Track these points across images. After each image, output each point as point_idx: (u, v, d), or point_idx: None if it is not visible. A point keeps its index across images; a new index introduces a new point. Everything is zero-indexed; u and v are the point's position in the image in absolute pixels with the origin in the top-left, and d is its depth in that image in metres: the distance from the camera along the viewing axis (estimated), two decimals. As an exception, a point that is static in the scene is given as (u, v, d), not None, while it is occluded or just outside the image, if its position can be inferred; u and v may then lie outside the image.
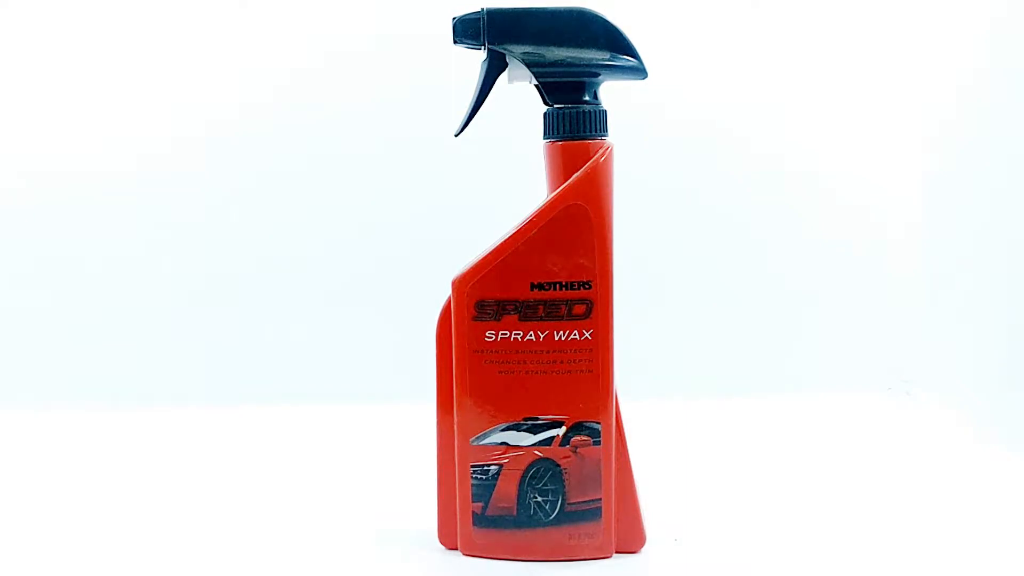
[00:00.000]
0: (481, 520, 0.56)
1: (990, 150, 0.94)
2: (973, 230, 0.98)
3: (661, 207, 1.02)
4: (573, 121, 0.54)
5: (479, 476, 0.56)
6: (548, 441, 0.55)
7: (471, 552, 0.57)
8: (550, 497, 0.56)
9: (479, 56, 0.56)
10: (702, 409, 0.95)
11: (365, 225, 1.03)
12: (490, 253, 0.55)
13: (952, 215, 1.01)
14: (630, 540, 0.58)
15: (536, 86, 0.56)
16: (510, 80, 0.56)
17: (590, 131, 0.55)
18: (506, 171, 0.90)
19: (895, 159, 1.05)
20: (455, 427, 0.56)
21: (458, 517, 0.57)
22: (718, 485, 0.73)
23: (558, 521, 0.56)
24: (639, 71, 0.55)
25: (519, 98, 0.59)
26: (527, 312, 0.54)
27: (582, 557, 0.56)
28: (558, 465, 0.55)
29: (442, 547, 0.59)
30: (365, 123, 1.02)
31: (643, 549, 0.58)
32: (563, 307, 0.54)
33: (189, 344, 1.02)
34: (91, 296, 1.03)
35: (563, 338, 0.54)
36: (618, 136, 0.56)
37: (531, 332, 0.54)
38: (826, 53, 1.03)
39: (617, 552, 0.57)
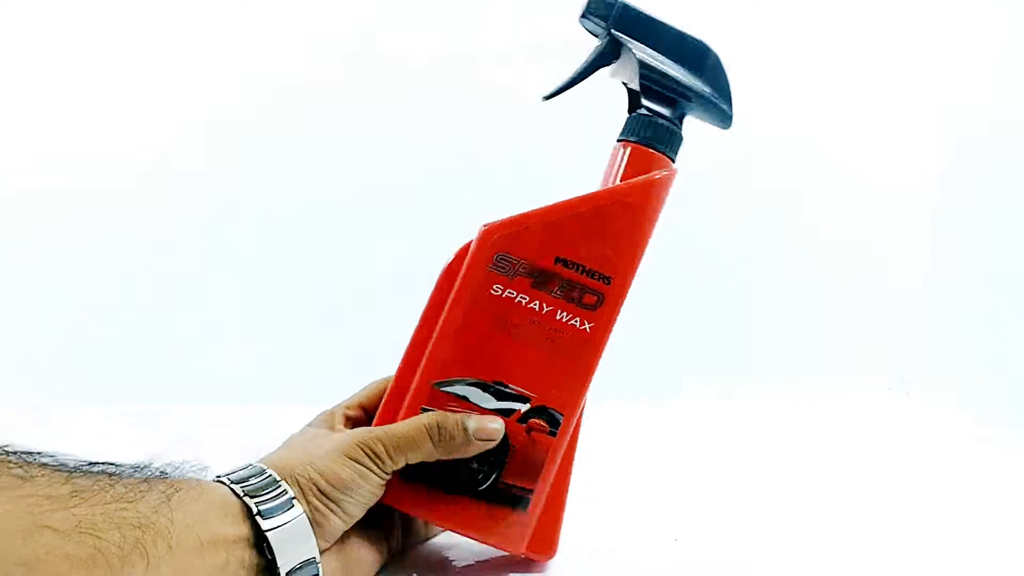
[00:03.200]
0: (410, 472, 0.54)
1: (991, 150, 0.95)
2: (972, 231, 0.98)
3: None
4: (656, 129, 0.56)
5: None
6: (508, 412, 0.54)
7: (391, 502, 0.55)
8: (487, 468, 0.55)
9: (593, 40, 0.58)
10: (700, 408, 0.95)
11: (377, 221, 1.03)
12: (530, 213, 0.55)
13: (952, 215, 1.02)
14: (542, 545, 0.56)
15: (631, 89, 0.58)
16: (613, 74, 0.58)
17: (665, 146, 0.56)
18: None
19: (899, 160, 1.06)
20: (421, 367, 0.55)
21: None
22: (715, 485, 0.73)
23: (485, 495, 0.55)
24: (725, 118, 0.58)
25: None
26: (542, 282, 0.54)
27: (490, 541, 0.55)
28: (508, 439, 0.54)
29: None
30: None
31: (550, 562, 0.57)
32: (577, 291, 0.54)
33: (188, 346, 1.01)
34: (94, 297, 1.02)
35: (564, 320, 0.54)
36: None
37: (536, 301, 0.54)
38: (828, 55, 1.05)
39: (526, 553, 0.56)
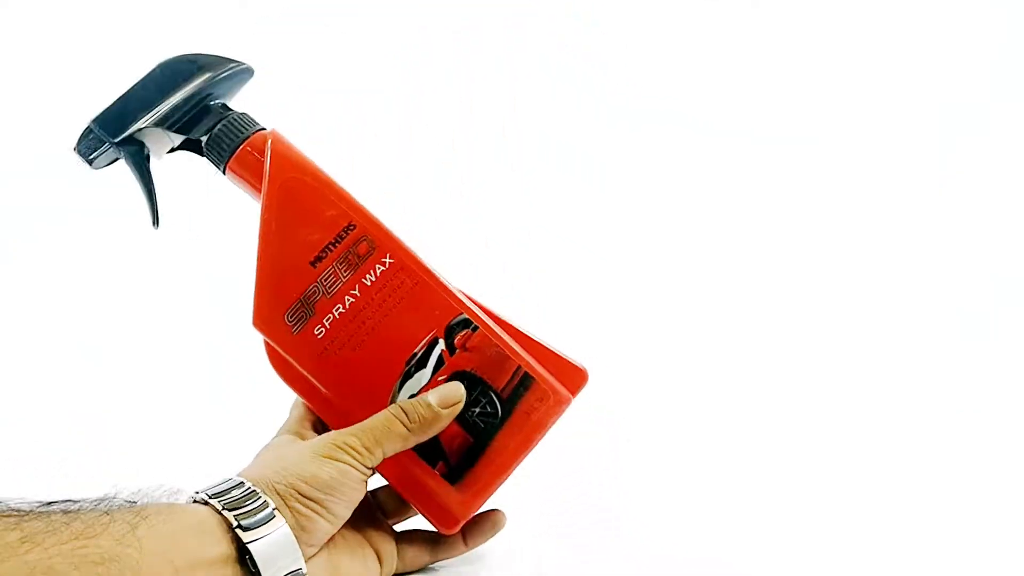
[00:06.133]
0: (452, 475, 0.54)
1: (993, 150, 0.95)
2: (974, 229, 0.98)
3: (661, 197, 1.02)
4: (226, 135, 0.56)
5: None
6: (440, 361, 0.55)
7: (471, 510, 0.55)
8: (485, 400, 0.55)
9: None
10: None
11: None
12: (258, 275, 0.55)
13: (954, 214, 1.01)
14: (573, 378, 0.57)
15: (183, 145, 0.57)
16: (158, 157, 0.58)
17: (244, 131, 0.56)
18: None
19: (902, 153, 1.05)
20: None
21: (432, 497, 0.55)
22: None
23: (508, 413, 0.55)
24: (244, 71, 0.58)
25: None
26: (328, 285, 0.54)
27: (553, 419, 0.55)
28: (466, 371, 0.55)
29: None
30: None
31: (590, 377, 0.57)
32: (351, 257, 0.54)
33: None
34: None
35: (373, 279, 0.54)
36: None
37: (346, 296, 0.54)
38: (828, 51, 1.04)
39: (573, 395, 0.56)
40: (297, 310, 0.54)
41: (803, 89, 1.10)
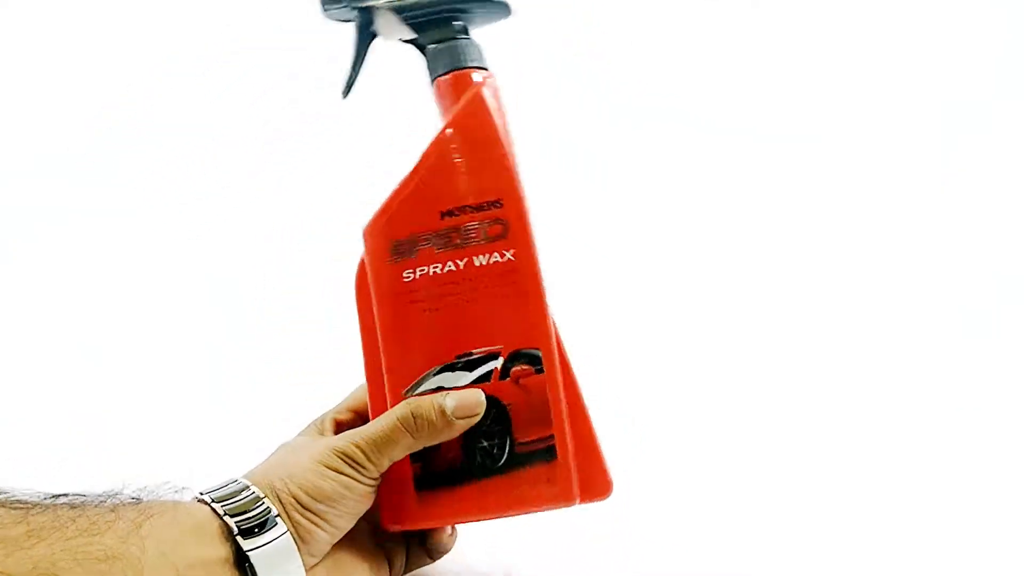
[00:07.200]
0: (423, 481, 0.51)
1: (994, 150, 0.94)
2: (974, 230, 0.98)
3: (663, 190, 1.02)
4: (449, 53, 0.54)
5: None
6: (487, 376, 0.51)
7: (418, 523, 0.51)
8: (497, 440, 0.51)
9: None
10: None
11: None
12: (393, 193, 0.53)
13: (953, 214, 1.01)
14: (595, 487, 0.51)
15: (410, 41, 0.56)
16: (385, 38, 0.57)
17: (468, 61, 0.54)
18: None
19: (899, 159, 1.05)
20: (386, 387, 0.52)
21: (392, 487, 0.51)
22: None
23: (509, 466, 0.50)
24: (502, 8, 0.56)
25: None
26: (442, 242, 0.52)
27: (542, 506, 0.51)
28: (501, 402, 0.51)
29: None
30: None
31: (611, 496, 0.52)
32: (478, 230, 0.52)
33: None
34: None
35: (484, 263, 0.51)
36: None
37: (450, 262, 0.52)
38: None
39: (583, 501, 0.51)
40: (404, 244, 0.52)
41: (805, 87, 1.09)
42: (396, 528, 0.52)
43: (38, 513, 0.42)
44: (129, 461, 0.71)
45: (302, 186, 1.05)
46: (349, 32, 0.54)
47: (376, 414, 0.53)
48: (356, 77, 0.56)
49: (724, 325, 0.97)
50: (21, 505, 0.42)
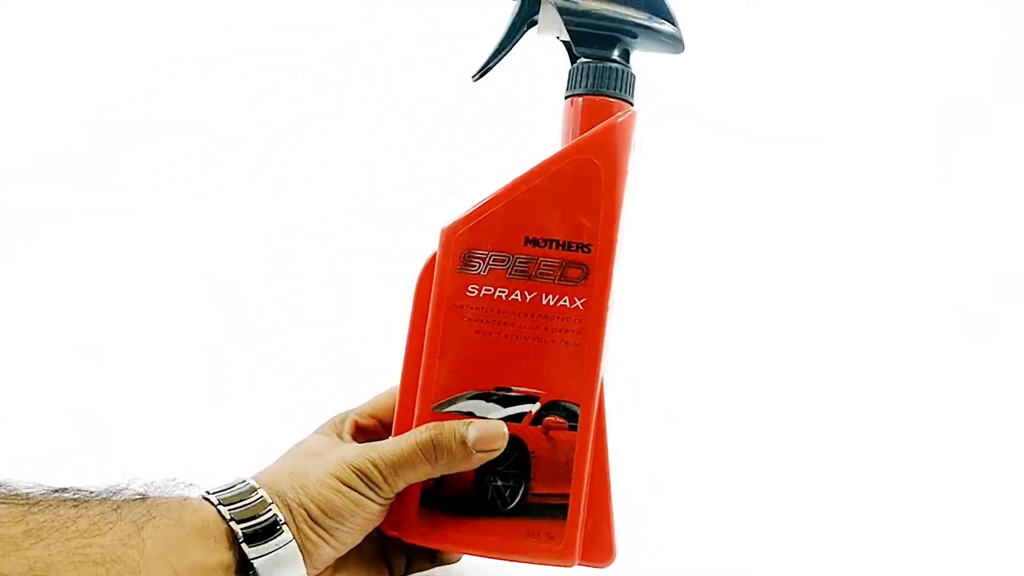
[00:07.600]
0: (429, 500, 0.49)
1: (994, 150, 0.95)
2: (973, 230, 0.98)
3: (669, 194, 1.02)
4: (599, 75, 0.50)
5: None
6: (519, 417, 0.49)
7: (414, 539, 0.49)
8: (512, 483, 0.49)
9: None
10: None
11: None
12: (486, 201, 0.50)
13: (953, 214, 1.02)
14: (597, 552, 0.50)
15: (564, 41, 0.52)
16: (539, 31, 0.53)
17: (616, 89, 0.50)
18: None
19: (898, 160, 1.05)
20: (419, 392, 0.49)
21: (400, 494, 0.49)
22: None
23: (517, 512, 0.49)
24: (675, 43, 0.52)
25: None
26: (517, 268, 0.49)
27: (538, 560, 0.49)
28: (526, 447, 0.49)
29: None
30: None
31: (611, 566, 0.50)
32: (556, 268, 0.49)
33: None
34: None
35: (551, 303, 0.49)
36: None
37: (517, 291, 0.49)
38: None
39: (581, 563, 0.50)
40: (477, 258, 0.50)
41: (803, 87, 1.10)
42: (393, 535, 0.51)
43: (38, 512, 0.41)
44: (129, 461, 0.71)
45: (302, 186, 1.05)
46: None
47: (401, 422, 0.51)
48: (497, 62, 0.51)
49: (723, 323, 0.98)
50: (23, 501, 0.41)
